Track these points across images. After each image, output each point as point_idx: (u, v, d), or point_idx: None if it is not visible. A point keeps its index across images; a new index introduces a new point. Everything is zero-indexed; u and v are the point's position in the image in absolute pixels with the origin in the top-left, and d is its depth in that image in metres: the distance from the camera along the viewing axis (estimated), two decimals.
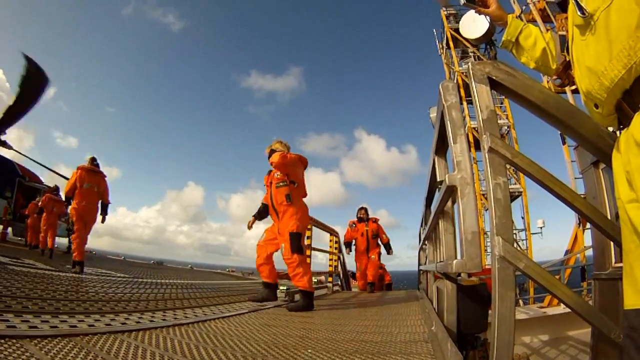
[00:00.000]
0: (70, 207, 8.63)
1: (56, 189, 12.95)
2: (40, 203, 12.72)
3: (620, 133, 1.41)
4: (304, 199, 5.91)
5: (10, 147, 16.33)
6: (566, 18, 1.63)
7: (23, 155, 17.75)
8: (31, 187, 19.23)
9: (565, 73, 1.86)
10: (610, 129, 1.69)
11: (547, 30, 2.04)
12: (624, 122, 1.38)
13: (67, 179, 10.57)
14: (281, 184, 5.70)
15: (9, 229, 18.54)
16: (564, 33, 1.77)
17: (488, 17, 2.31)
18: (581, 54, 1.48)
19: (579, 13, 1.38)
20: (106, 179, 8.87)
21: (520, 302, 14.04)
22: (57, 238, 12.90)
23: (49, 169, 14.84)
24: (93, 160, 8.80)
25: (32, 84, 15.35)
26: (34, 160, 16.22)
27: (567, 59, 1.75)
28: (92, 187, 8.50)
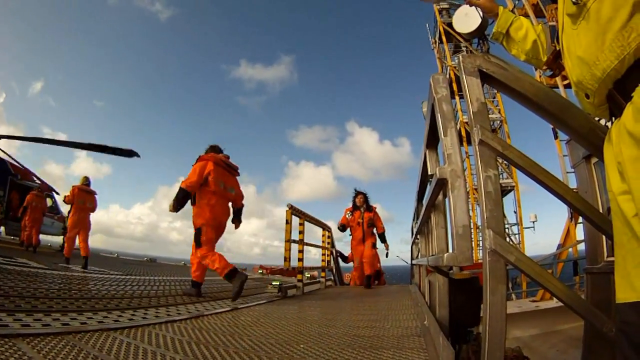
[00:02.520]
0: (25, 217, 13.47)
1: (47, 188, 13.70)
2: (25, 202, 14.15)
3: (611, 124, 1.40)
4: None
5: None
6: (556, 8, 1.62)
7: (13, 137, 17.55)
8: (24, 185, 19.08)
9: (555, 63, 1.85)
10: (603, 121, 1.69)
11: (546, 23, 2.03)
12: (615, 112, 1.37)
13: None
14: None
15: (2, 228, 18.42)
16: (553, 23, 1.76)
17: (479, 10, 2.30)
18: (572, 44, 1.46)
19: (572, 0, 1.36)
20: (46, 200, 14.48)
21: (513, 296, 14.11)
22: (51, 237, 13.75)
23: (44, 140, 14.81)
24: (38, 189, 14.83)
25: None
26: (24, 138, 16.13)
27: (558, 49, 1.74)
28: (37, 205, 13.80)
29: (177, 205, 5.81)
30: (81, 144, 13.08)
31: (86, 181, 10.66)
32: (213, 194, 5.87)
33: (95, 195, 10.76)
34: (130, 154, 11.80)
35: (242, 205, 6.56)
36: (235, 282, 5.40)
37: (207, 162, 5.95)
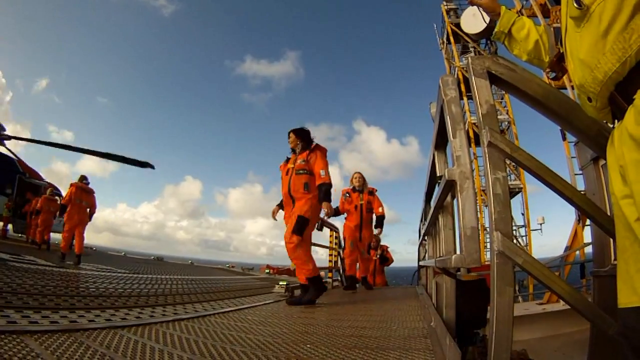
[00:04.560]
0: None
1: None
2: (38, 205, 15.14)
3: (614, 127, 1.40)
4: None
5: (10, 137, 16.39)
6: (560, 10, 1.62)
7: (27, 140, 17.77)
8: (32, 183, 19.25)
9: (559, 65, 1.85)
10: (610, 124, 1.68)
11: (550, 25, 2.03)
12: (617, 115, 1.36)
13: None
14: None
15: (9, 226, 18.58)
16: (558, 25, 1.76)
17: (482, 9, 2.30)
18: (574, 47, 1.46)
19: (575, 5, 1.36)
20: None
21: (520, 298, 14.05)
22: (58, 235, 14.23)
23: (54, 144, 15.25)
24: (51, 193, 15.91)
25: None
26: (36, 141, 16.34)
27: (561, 51, 1.74)
28: (49, 209, 14.49)
29: (61, 213, 11.05)
30: (101, 152, 14.20)
31: (53, 191, 15.20)
32: (72, 206, 10.44)
33: (57, 201, 15.02)
34: (144, 165, 14.24)
35: (94, 212, 11.08)
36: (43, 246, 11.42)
37: (72, 188, 10.59)
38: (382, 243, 11.82)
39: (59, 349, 2.25)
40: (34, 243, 14.62)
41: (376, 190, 8.64)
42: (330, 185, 5.69)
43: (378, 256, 11.76)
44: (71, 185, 10.72)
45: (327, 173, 5.75)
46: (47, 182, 19.79)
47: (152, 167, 13.22)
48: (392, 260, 12.04)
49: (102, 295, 4.63)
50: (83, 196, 10.68)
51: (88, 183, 11.06)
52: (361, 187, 8.53)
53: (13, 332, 2.46)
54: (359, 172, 8.72)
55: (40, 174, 20.66)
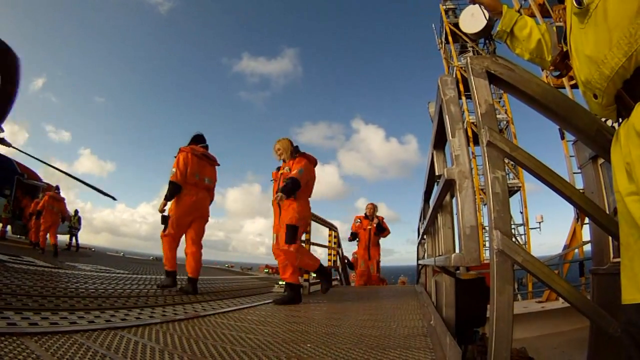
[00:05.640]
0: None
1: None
2: (39, 205, 14.72)
3: (619, 125, 1.40)
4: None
5: (9, 145, 16.38)
6: (564, 8, 1.62)
7: (23, 152, 17.76)
8: (30, 184, 19.22)
9: (563, 63, 1.85)
10: (610, 122, 1.68)
11: (552, 23, 2.03)
12: (623, 112, 1.36)
13: (66, 173, 14.52)
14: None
15: (8, 227, 18.56)
16: (560, 24, 1.76)
17: (484, 9, 2.29)
18: (580, 43, 1.46)
19: (575, 4, 1.36)
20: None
21: (519, 296, 14.07)
22: (58, 236, 14.01)
23: (50, 166, 15.18)
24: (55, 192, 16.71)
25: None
26: (34, 157, 16.33)
27: (565, 49, 1.74)
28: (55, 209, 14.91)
29: (37, 218, 13.28)
30: (76, 177, 14.70)
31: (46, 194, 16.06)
32: (46, 211, 12.78)
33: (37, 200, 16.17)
34: (108, 195, 14.14)
35: (65, 215, 13.44)
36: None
37: (45, 197, 13.23)
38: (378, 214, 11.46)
39: (59, 350, 2.25)
40: (31, 244, 14.67)
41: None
42: (169, 183, 6.09)
43: (375, 225, 10.95)
44: (45, 194, 13.96)
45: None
46: (45, 182, 19.75)
47: (114, 198, 14.29)
48: (389, 232, 11.44)
49: (102, 296, 4.63)
50: (55, 204, 13.49)
51: (59, 192, 14.04)
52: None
53: (13, 334, 2.46)
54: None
55: (38, 174, 20.61)
